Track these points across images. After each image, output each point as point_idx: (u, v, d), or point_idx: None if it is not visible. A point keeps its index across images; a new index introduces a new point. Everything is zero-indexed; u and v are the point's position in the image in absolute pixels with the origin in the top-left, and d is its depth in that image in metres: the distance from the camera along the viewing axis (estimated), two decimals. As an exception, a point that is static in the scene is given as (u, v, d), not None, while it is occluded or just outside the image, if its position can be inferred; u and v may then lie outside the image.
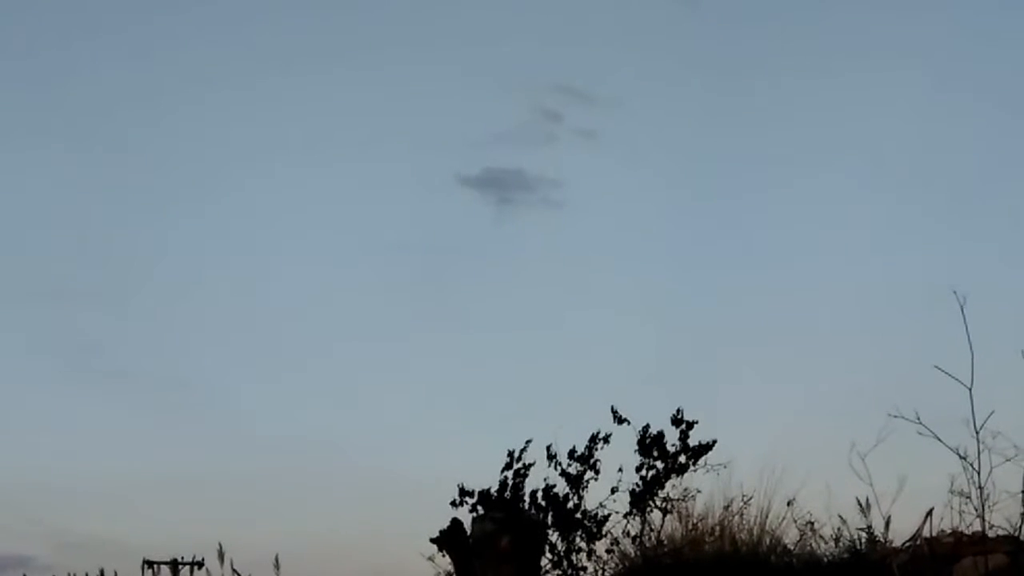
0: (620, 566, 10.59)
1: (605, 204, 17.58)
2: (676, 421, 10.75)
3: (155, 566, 12.19)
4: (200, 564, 12.10)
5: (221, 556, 10.96)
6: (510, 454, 10.85)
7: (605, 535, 10.72)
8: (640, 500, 10.65)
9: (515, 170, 17.51)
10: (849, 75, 17.39)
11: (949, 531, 9.33)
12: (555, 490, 10.74)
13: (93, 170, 18.14)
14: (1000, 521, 9.08)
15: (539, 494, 10.73)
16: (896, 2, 17.50)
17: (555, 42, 18.11)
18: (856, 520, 9.56)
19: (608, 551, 10.70)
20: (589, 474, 10.79)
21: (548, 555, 10.59)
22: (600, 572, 10.71)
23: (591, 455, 10.77)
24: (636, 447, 10.73)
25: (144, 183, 18.24)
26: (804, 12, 17.68)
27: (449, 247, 17.50)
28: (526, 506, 10.69)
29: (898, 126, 16.92)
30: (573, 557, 10.66)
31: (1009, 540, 9.10)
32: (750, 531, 10.04)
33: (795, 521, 10.06)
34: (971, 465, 8.98)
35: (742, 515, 10.17)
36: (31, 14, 18.50)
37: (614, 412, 10.77)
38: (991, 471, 8.96)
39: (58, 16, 18.57)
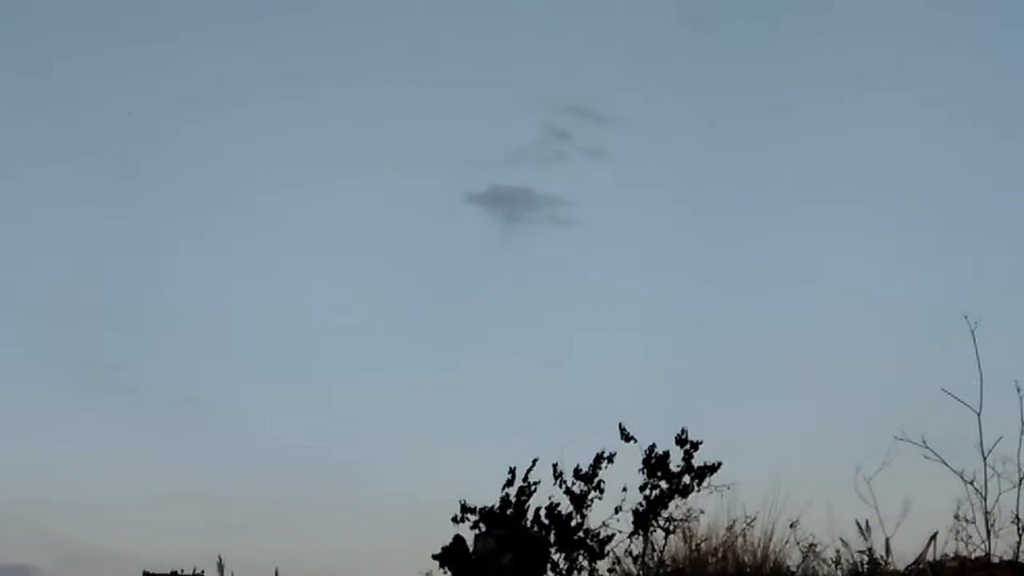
0: (622, 586, 10.60)
1: (614, 223, 17.56)
2: (681, 441, 10.77)
3: (155, 578, 12.17)
4: (200, 577, 12.07)
5: (221, 569, 10.95)
6: (511, 471, 10.87)
7: (608, 554, 10.71)
8: (643, 520, 10.65)
9: (523, 188, 17.51)
10: (858, 98, 17.39)
11: (953, 555, 9.30)
12: (559, 508, 10.75)
13: (104, 184, 18.15)
14: (1004, 547, 9.07)
15: (542, 512, 10.74)
16: (906, 27, 17.50)
17: (565, 62, 18.13)
18: (859, 543, 9.56)
19: (610, 570, 10.69)
20: (593, 493, 10.80)
21: (550, 573, 10.58)
22: (602, 591, 10.71)
23: (595, 474, 10.78)
24: (641, 466, 10.76)
25: (155, 199, 18.23)
26: (813, 36, 17.70)
27: (456, 264, 17.49)
28: (529, 524, 10.69)
29: (909, 150, 16.92)
30: (575, 576, 10.66)
31: (1013, 566, 9.07)
32: (753, 553, 10.02)
33: (798, 543, 10.06)
34: (977, 490, 8.99)
35: (745, 536, 10.16)
36: (37, 29, 18.55)
37: (622, 429, 10.79)
38: (999, 497, 8.97)
39: (65, 31, 18.61)
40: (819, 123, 17.31)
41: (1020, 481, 8.90)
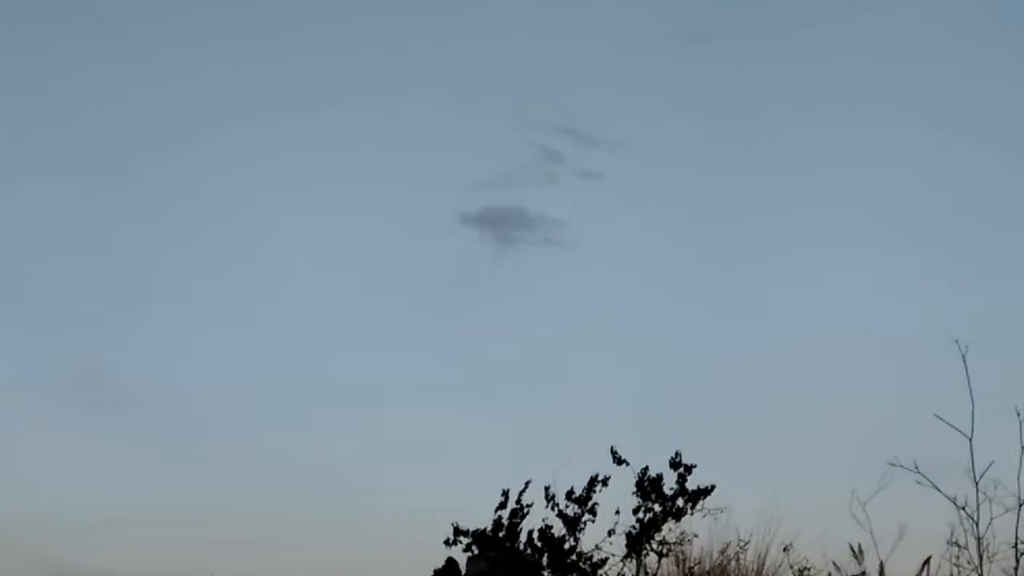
0: (615, 609, 10.60)
1: (607, 244, 17.55)
2: (675, 464, 10.78)
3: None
4: (193, 596, 12.07)
5: (213, 588, 10.98)
6: (504, 493, 10.88)
7: (601, 577, 10.72)
8: (636, 543, 10.65)
9: (515, 209, 17.51)
10: (856, 122, 17.40)
11: (946, 579, 9.33)
12: (552, 531, 10.75)
13: (97, 195, 18.13)
14: (998, 572, 9.10)
15: (535, 535, 10.74)
16: (904, 51, 17.55)
17: (558, 83, 18.13)
18: (852, 567, 9.57)
19: (603, 594, 10.70)
20: (586, 516, 10.80)
21: (543, 596, 10.58)
22: (595, 615, 10.70)
23: (589, 497, 10.79)
24: (634, 489, 10.77)
25: (148, 213, 18.21)
26: (811, 58, 17.71)
27: (448, 285, 17.48)
28: (522, 546, 10.69)
29: (905, 174, 16.94)
30: (568, 599, 10.65)
31: (1006, 590, 9.10)
32: (746, 576, 10.05)
33: (791, 567, 10.08)
34: (970, 515, 9.01)
35: (739, 560, 10.18)
36: (34, 42, 18.56)
37: (613, 453, 10.81)
38: (991, 522, 9.00)
39: (58, 37, 18.60)
40: (815, 145, 17.31)
41: (1020, 506, 8.94)
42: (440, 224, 17.74)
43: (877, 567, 9.36)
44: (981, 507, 9.01)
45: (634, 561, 10.62)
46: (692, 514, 10.69)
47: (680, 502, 10.72)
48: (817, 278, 16.96)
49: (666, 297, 17.04)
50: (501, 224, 17.39)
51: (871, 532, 9.23)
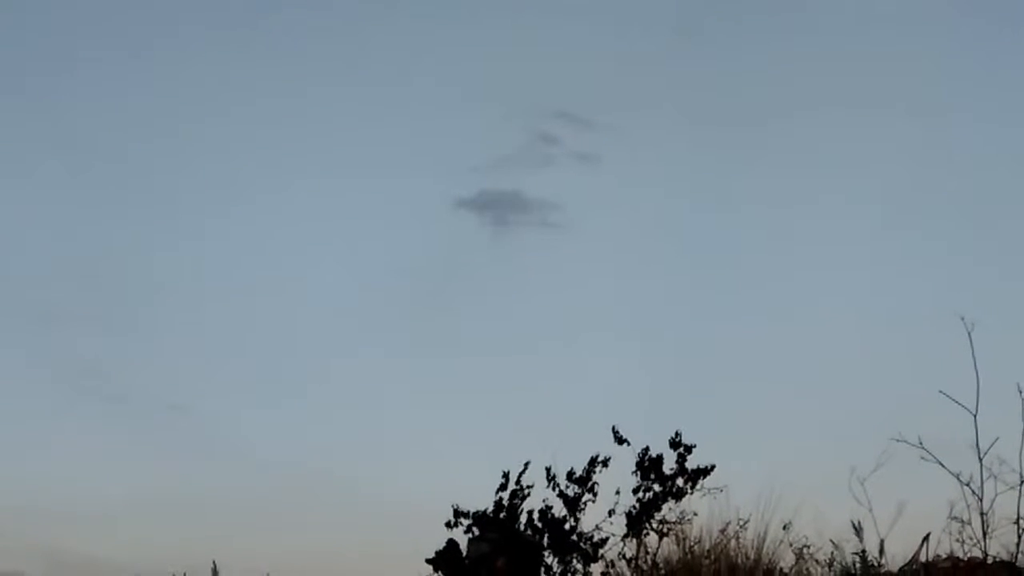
0: (616, 589, 10.59)
1: (603, 226, 17.55)
2: (674, 444, 10.78)
3: (147, 584, 12.15)
4: (193, 582, 12.05)
5: (215, 574, 10.96)
6: (505, 475, 10.88)
7: (601, 557, 10.72)
8: (637, 522, 10.66)
9: (512, 192, 17.50)
10: (855, 100, 17.40)
11: (946, 556, 9.31)
12: (552, 512, 10.76)
13: (93, 191, 18.16)
14: (999, 548, 9.08)
15: (536, 515, 10.75)
16: (899, 33, 17.53)
17: (554, 67, 18.11)
18: (851, 544, 9.57)
19: (604, 574, 10.70)
20: (587, 496, 10.80)
21: (544, 576, 10.60)
22: (596, 595, 10.71)
23: (589, 477, 10.79)
24: (634, 469, 10.77)
25: (143, 206, 18.23)
26: (804, 41, 17.71)
27: (445, 268, 17.49)
28: (523, 527, 10.70)
29: (907, 151, 16.92)
30: (569, 579, 10.66)
31: (1006, 566, 9.07)
32: (746, 555, 10.02)
33: (791, 545, 10.07)
34: (974, 492, 8.99)
35: (738, 539, 10.17)
36: (27, 30, 18.52)
37: (615, 432, 10.81)
38: (994, 498, 8.97)
39: (54, 32, 18.57)
40: (813, 122, 17.31)
41: (1020, 483, 8.92)
42: (437, 208, 17.76)
43: (877, 544, 9.37)
44: (985, 484, 9.00)
45: (634, 541, 10.62)
46: (692, 494, 10.71)
47: (680, 482, 10.74)
48: (819, 254, 16.97)
49: (663, 277, 17.05)
50: (497, 207, 17.39)
51: (870, 509, 9.21)
